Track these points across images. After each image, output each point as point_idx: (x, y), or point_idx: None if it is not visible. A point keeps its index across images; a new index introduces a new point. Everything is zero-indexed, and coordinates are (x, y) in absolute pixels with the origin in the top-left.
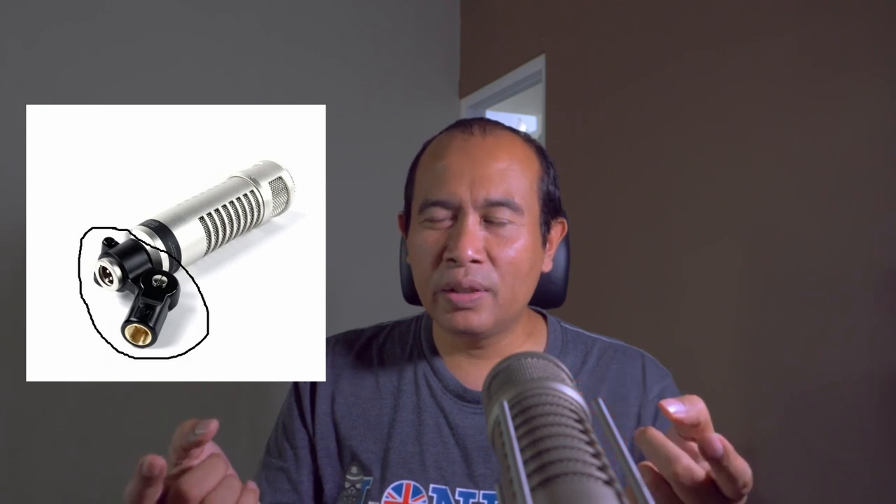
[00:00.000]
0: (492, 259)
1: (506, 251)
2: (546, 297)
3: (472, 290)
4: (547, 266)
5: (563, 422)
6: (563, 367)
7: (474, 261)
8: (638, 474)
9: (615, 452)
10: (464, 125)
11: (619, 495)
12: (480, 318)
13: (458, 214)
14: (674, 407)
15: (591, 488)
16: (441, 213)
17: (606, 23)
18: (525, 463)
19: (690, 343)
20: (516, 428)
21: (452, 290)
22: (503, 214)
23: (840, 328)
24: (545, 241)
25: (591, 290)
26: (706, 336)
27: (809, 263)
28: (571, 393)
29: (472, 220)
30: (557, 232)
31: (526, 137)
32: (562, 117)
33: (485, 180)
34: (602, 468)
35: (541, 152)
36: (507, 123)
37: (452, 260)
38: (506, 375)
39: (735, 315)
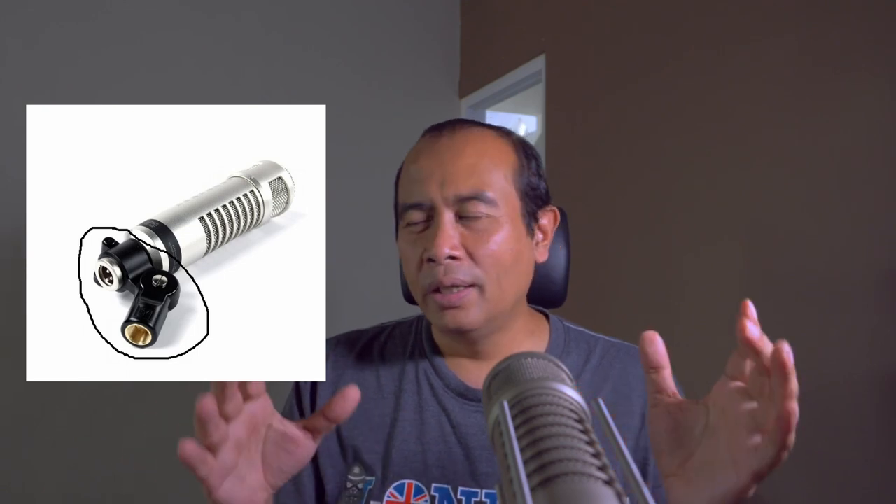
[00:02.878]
0: (471, 255)
1: (484, 246)
2: (546, 297)
3: (455, 287)
4: (542, 256)
5: (563, 422)
6: (563, 367)
7: (452, 257)
8: (638, 474)
9: (615, 452)
10: (434, 128)
11: (619, 495)
12: (469, 316)
13: (432, 215)
14: (749, 329)
15: (591, 488)
16: (417, 215)
17: (606, 23)
18: (525, 463)
19: (690, 343)
20: (516, 428)
21: (437, 291)
22: (477, 208)
23: (840, 328)
24: (532, 231)
25: (591, 289)
26: (706, 336)
27: (809, 263)
28: (571, 393)
29: (447, 218)
30: (550, 221)
31: (501, 131)
32: (562, 117)
33: (454, 177)
34: (602, 468)
35: (519, 144)
36: (507, 123)
37: (431, 260)
38: (506, 375)
39: (735, 315)
